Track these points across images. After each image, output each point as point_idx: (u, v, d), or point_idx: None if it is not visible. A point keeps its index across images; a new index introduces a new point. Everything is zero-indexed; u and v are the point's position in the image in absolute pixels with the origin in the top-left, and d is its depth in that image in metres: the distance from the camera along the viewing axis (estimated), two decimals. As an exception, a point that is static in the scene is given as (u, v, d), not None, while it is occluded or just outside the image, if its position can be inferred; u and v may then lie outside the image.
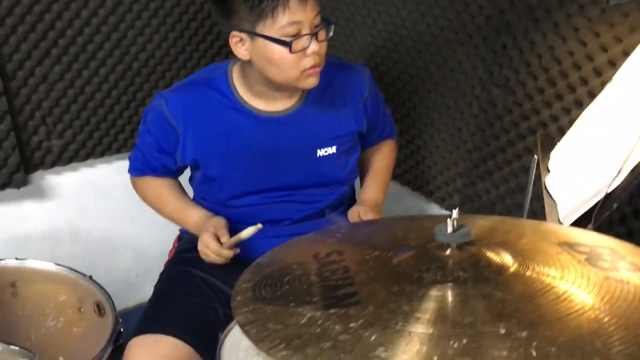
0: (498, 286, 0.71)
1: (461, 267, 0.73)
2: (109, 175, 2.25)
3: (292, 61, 1.37)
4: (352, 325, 0.65)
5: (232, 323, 1.32)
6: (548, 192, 1.20)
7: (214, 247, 1.46)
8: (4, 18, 1.86)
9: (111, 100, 2.12)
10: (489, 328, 0.64)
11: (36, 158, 2.06)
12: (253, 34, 1.36)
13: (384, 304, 0.69)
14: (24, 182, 2.04)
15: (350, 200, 1.74)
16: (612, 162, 1.07)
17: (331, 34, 1.44)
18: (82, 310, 1.47)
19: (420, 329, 0.64)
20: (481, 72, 1.75)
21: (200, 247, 1.49)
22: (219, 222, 1.50)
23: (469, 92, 1.81)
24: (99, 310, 1.45)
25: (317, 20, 1.39)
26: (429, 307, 0.68)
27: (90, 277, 1.52)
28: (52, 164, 2.10)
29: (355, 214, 1.59)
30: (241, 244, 1.48)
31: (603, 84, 1.42)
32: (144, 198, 1.72)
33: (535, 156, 1.09)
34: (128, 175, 2.27)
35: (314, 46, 1.37)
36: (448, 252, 0.76)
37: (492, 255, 0.76)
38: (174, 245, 1.74)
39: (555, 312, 0.66)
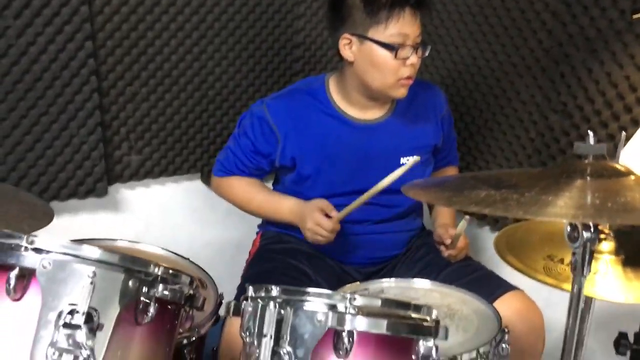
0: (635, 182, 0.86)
1: (601, 170, 0.89)
2: (177, 195, 2.39)
3: (393, 67, 1.56)
4: (527, 194, 0.80)
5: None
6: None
7: (326, 223, 1.59)
8: (105, 40, 2.06)
9: (187, 122, 2.30)
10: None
11: (117, 171, 2.21)
12: (364, 38, 1.56)
13: (545, 187, 0.83)
14: (104, 193, 2.18)
15: (419, 210, 1.89)
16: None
17: (426, 54, 1.63)
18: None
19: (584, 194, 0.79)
20: (539, 100, 1.95)
21: (310, 225, 1.61)
22: (322, 202, 1.63)
23: (526, 118, 2.00)
24: (202, 284, 1.56)
25: (419, 39, 1.60)
26: (582, 185, 0.83)
27: (189, 259, 1.65)
28: (130, 178, 2.24)
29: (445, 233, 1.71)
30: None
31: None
32: (229, 195, 1.85)
33: (624, 132, 1.25)
34: (192, 196, 2.41)
35: (413, 58, 1.57)
36: (586, 161, 0.91)
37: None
38: (255, 241, 1.86)
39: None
